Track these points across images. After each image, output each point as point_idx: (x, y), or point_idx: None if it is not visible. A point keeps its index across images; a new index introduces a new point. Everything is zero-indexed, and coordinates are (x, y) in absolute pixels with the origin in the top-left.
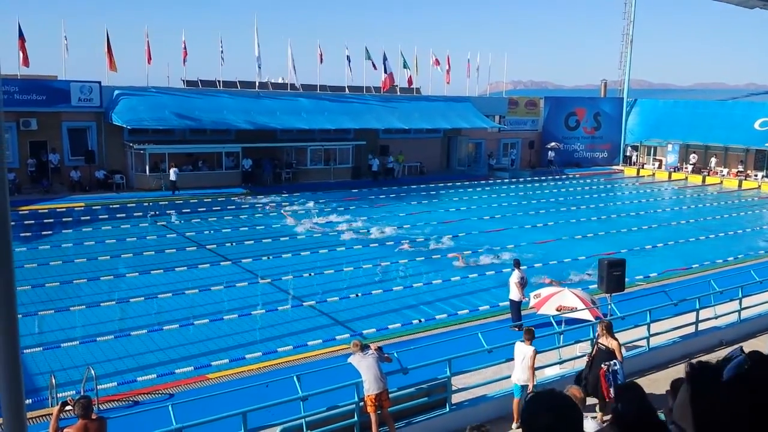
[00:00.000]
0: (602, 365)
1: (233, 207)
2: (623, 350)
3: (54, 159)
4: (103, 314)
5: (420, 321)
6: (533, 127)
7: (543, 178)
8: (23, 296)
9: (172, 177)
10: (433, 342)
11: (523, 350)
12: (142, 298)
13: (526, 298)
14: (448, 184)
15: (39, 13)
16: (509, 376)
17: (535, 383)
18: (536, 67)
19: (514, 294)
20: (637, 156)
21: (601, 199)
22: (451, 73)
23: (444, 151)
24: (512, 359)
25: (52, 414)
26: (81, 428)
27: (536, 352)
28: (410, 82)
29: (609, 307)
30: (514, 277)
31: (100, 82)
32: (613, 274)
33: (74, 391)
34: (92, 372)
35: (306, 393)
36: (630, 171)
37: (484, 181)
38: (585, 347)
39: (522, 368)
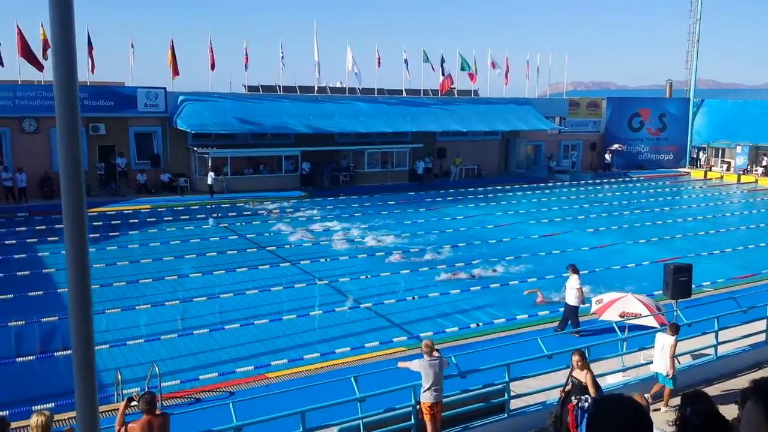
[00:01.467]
0: (572, 399)
1: (291, 210)
2: (597, 384)
3: (121, 163)
4: (167, 313)
5: (478, 325)
6: (595, 128)
7: (605, 180)
8: (92, 295)
9: (209, 181)
10: (491, 346)
11: (663, 340)
12: (205, 298)
13: (586, 304)
14: (506, 186)
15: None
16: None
17: (675, 372)
18: (598, 67)
19: (572, 299)
20: (704, 158)
21: (666, 203)
22: (510, 75)
23: (502, 154)
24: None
25: (118, 409)
26: (145, 423)
27: (677, 341)
28: (473, 79)
29: (675, 313)
30: (573, 282)
31: (165, 88)
32: (680, 280)
33: (139, 388)
34: (156, 369)
35: (363, 394)
36: (697, 173)
37: (543, 184)
38: (650, 354)
39: (661, 357)
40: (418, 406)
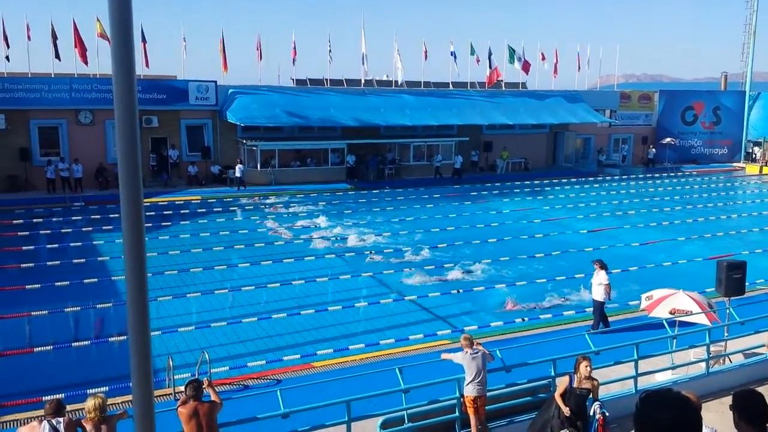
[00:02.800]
0: (598, 410)
1: (338, 201)
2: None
3: (173, 154)
4: (216, 301)
5: (523, 320)
6: (647, 121)
7: (656, 175)
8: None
9: (238, 173)
10: (537, 341)
11: None
12: (253, 287)
13: (609, 299)
14: (554, 180)
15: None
16: (618, 380)
17: None
18: (651, 59)
19: (599, 295)
20: (760, 153)
21: (719, 198)
22: (559, 67)
23: (550, 147)
24: (621, 362)
25: (170, 394)
26: (192, 409)
27: None
28: (525, 69)
29: (727, 311)
30: (601, 277)
31: (215, 82)
32: (733, 277)
33: (189, 374)
34: (206, 356)
35: (408, 385)
36: (752, 168)
37: (592, 178)
38: (700, 352)
39: None
40: (461, 399)
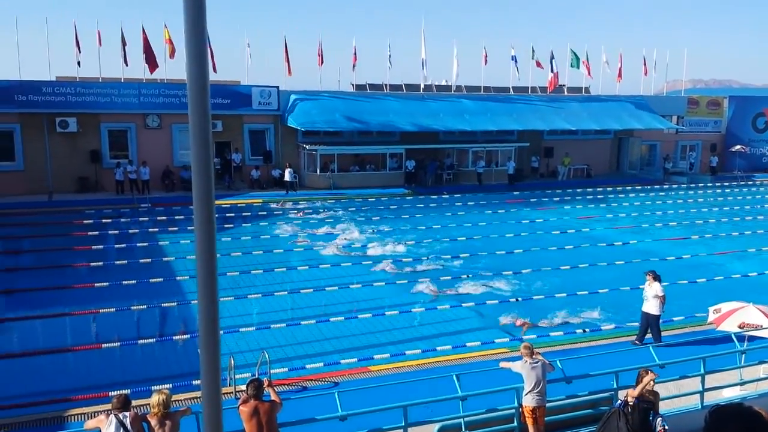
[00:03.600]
0: (660, 424)
1: (395, 206)
2: None
3: (236, 158)
4: (276, 303)
5: (584, 331)
6: (715, 128)
7: (725, 183)
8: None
9: (287, 177)
10: (598, 353)
11: None
12: (311, 290)
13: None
14: (618, 188)
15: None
16: (683, 395)
17: None
18: (720, 64)
19: (654, 308)
20: None
21: None
22: (624, 72)
23: (614, 153)
24: (687, 377)
25: (231, 392)
26: (253, 407)
27: None
28: (589, 73)
29: None
30: (656, 289)
31: (278, 87)
32: None
33: (250, 374)
34: (266, 357)
35: (465, 393)
36: None
37: (658, 186)
38: None
39: None
40: (520, 409)
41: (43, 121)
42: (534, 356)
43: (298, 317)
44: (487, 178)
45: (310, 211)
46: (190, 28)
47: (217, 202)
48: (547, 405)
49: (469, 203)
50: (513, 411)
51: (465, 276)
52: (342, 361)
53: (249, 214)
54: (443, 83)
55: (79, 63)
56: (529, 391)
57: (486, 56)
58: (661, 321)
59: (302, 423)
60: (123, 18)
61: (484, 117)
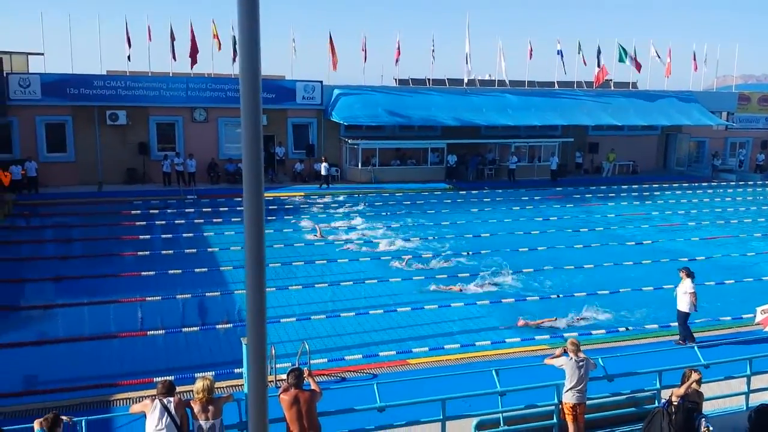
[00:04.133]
0: (704, 425)
1: (435, 201)
2: None
3: (280, 152)
4: (316, 295)
5: (627, 329)
6: (767, 125)
7: None
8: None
9: (322, 171)
10: (642, 351)
11: None
12: (351, 283)
13: (695, 310)
14: (664, 185)
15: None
16: (728, 395)
17: None
18: None
19: (683, 305)
20: None
21: None
22: (672, 66)
23: (661, 150)
24: (733, 377)
25: (271, 381)
26: (293, 396)
27: None
28: (637, 68)
29: None
30: (686, 286)
31: (321, 82)
32: None
33: (290, 363)
34: (306, 347)
35: (504, 388)
36: None
37: (705, 184)
38: None
39: None
40: (560, 406)
41: (94, 113)
42: (578, 354)
43: (338, 309)
44: (529, 173)
45: (350, 204)
46: (243, 26)
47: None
48: (588, 402)
49: (510, 199)
50: (553, 408)
51: (505, 271)
52: (381, 354)
53: (291, 206)
54: (487, 78)
55: (129, 57)
56: (570, 388)
57: (531, 51)
58: (692, 320)
59: (341, 413)
60: (172, 13)
61: (527, 112)
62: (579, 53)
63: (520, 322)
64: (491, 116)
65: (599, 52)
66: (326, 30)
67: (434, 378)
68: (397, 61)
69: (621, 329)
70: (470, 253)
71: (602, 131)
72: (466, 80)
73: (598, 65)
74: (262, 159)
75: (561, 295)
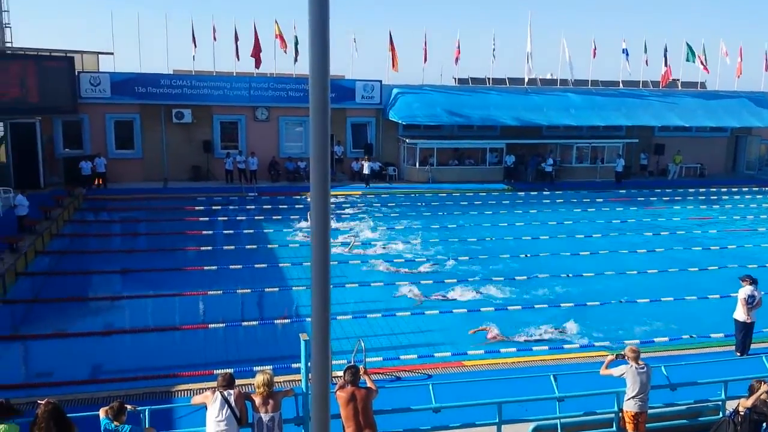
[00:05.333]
0: None
1: (494, 202)
2: None
3: (338, 150)
4: (372, 293)
5: (692, 337)
6: None
7: None
8: (307, 272)
9: (366, 171)
10: (706, 360)
11: None
12: (407, 283)
13: (753, 319)
14: (733, 189)
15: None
16: None
17: None
18: None
19: (738, 313)
20: None
21: None
22: (743, 67)
23: (730, 153)
24: None
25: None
26: (350, 393)
27: None
28: (706, 68)
29: None
30: (742, 292)
31: (381, 81)
32: None
33: (345, 360)
34: (362, 345)
35: (563, 394)
36: None
37: None
38: None
39: None
40: (620, 414)
41: (161, 112)
42: (638, 362)
43: (394, 308)
44: (591, 175)
45: (393, 204)
46: (314, 27)
47: None
48: (650, 411)
49: (571, 200)
50: (612, 416)
51: (565, 275)
52: (436, 354)
53: (348, 205)
54: (548, 77)
55: (194, 57)
56: (632, 396)
57: (595, 49)
58: (759, 329)
59: (397, 412)
60: (236, 14)
61: (591, 112)
62: (645, 52)
63: (490, 334)
64: (553, 116)
65: (666, 51)
66: (386, 29)
67: (490, 381)
68: (456, 60)
69: (685, 336)
70: (525, 255)
71: (668, 132)
72: (526, 79)
73: (665, 65)
74: (329, 157)
75: (624, 300)
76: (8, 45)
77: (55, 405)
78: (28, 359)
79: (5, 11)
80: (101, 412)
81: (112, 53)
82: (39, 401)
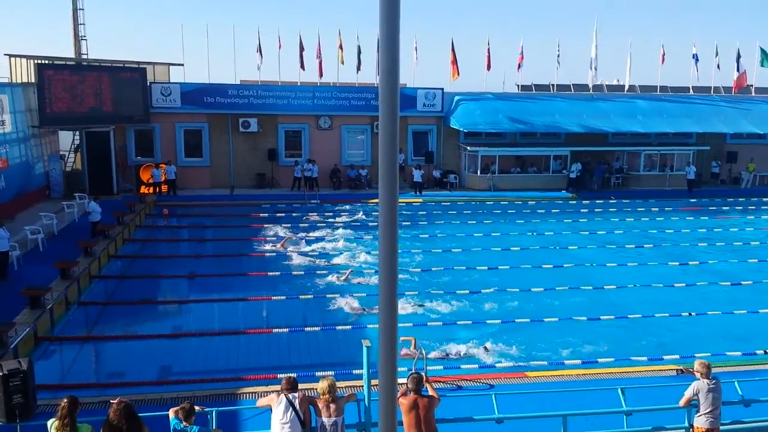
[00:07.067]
0: None
1: (557, 211)
2: None
3: (400, 158)
4: (429, 301)
5: (765, 352)
6: None
7: None
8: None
9: (418, 178)
10: None
11: None
12: (467, 292)
13: None
14: None
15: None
16: None
17: None
18: None
19: None
20: None
21: None
22: None
23: None
24: None
25: None
26: (412, 401)
27: None
28: None
29: None
30: None
31: (442, 89)
32: None
33: (406, 368)
34: (423, 353)
35: (631, 408)
36: None
37: None
38: None
39: None
40: (691, 430)
41: (228, 121)
42: (710, 376)
43: (454, 318)
44: (660, 183)
45: (469, 212)
46: (385, 33)
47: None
48: (721, 428)
49: (638, 209)
50: (683, 431)
51: (632, 285)
52: (497, 365)
53: (409, 212)
54: (615, 83)
55: (260, 67)
56: (704, 413)
57: (663, 54)
58: None
59: (459, 421)
60: (301, 24)
61: (659, 118)
62: (716, 57)
63: (402, 351)
64: (619, 122)
65: (739, 56)
66: (446, 36)
67: (554, 393)
68: (519, 66)
69: (759, 352)
70: (591, 264)
71: (741, 139)
72: (592, 86)
73: (738, 70)
74: (398, 164)
75: (693, 314)
76: (84, 57)
77: (127, 404)
78: (100, 360)
79: (81, 24)
80: (171, 413)
81: (182, 64)
82: (111, 401)
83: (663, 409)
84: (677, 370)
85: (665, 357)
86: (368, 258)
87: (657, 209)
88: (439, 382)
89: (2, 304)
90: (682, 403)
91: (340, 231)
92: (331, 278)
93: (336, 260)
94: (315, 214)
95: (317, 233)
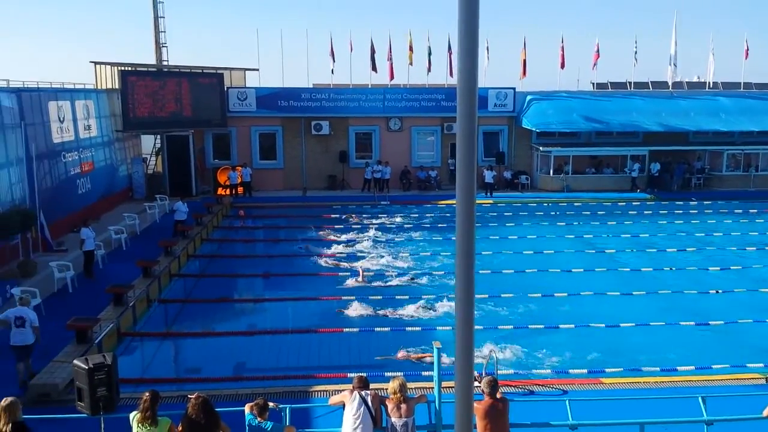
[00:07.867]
0: None
1: (634, 212)
2: None
3: None
4: (504, 304)
5: None
6: None
7: None
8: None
9: (489, 179)
10: None
11: None
12: (539, 295)
13: None
14: None
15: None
16: None
17: None
18: None
19: None
20: None
21: None
22: None
23: None
24: None
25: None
26: (488, 405)
27: None
28: None
29: None
30: None
31: (514, 89)
32: None
33: (477, 372)
34: (495, 356)
35: (712, 417)
36: None
37: None
38: None
39: None
40: None
41: (301, 124)
42: None
43: (527, 321)
44: (744, 183)
45: (541, 213)
46: (463, 37)
47: (450, 201)
48: None
49: (721, 211)
50: None
51: (714, 291)
52: (571, 371)
53: (479, 214)
54: (695, 80)
55: (332, 71)
56: None
57: (747, 49)
58: None
59: (534, 426)
60: (372, 27)
61: (743, 116)
62: None
63: (400, 353)
64: (700, 121)
65: None
66: (520, 36)
67: (630, 400)
68: (594, 64)
69: None
70: (670, 269)
71: None
72: (671, 83)
73: None
74: (476, 164)
75: None
76: (165, 63)
77: (205, 399)
78: (179, 355)
79: (162, 32)
80: (246, 408)
81: (257, 69)
82: (189, 395)
83: (747, 419)
84: (766, 378)
85: (749, 365)
86: (443, 261)
87: (741, 211)
88: (509, 386)
89: (88, 300)
90: (765, 413)
91: (415, 233)
92: (398, 281)
93: (401, 263)
94: (385, 215)
95: (388, 236)
